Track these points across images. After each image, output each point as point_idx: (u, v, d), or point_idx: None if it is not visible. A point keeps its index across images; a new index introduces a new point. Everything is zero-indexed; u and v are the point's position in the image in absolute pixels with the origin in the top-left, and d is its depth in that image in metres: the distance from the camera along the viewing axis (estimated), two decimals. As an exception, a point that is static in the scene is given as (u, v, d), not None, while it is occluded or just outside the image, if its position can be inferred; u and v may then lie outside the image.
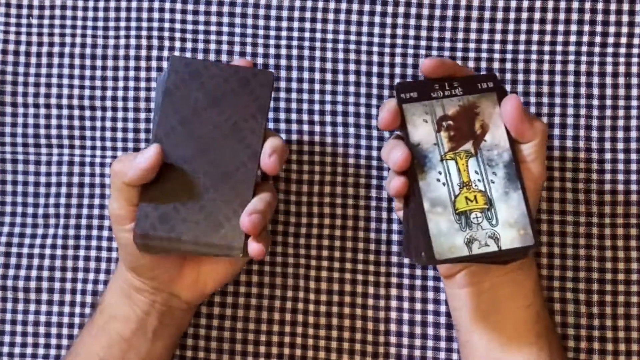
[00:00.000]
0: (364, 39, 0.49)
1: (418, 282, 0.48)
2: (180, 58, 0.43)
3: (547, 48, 0.48)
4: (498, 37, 0.48)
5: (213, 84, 0.42)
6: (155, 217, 0.40)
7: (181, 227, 0.40)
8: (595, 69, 0.48)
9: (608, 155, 0.47)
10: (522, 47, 0.48)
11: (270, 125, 0.49)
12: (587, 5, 0.48)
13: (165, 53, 0.50)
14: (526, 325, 0.42)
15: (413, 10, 0.49)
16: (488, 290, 0.42)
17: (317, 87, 0.49)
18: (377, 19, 0.49)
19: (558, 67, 0.48)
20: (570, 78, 0.48)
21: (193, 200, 0.41)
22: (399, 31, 0.49)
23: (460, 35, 0.49)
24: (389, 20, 0.49)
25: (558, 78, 0.48)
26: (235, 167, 0.41)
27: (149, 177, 0.40)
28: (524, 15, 0.48)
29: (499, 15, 0.48)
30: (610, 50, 0.48)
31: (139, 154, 0.40)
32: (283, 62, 0.50)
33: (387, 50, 0.49)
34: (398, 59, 0.49)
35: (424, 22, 0.49)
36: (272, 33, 0.50)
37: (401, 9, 0.49)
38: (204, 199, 0.41)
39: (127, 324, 0.43)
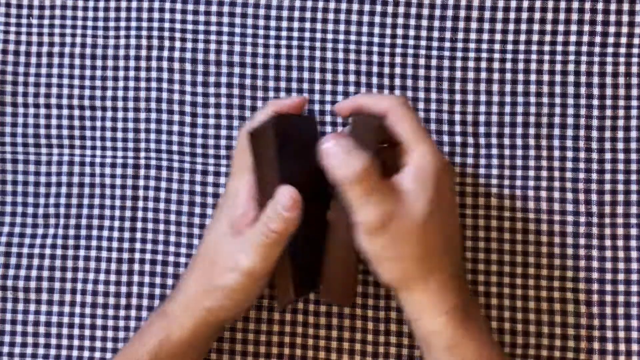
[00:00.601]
0: (364, 39, 0.49)
1: (418, 282, 0.48)
2: (278, 122, 0.41)
3: (547, 48, 0.48)
4: (498, 37, 0.48)
5: (305, 140, 0.42)
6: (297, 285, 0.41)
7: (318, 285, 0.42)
8: (595, 69, 0.48)
9: (608, 155, 0.47)
10: (522, 47, 0.48)
11: (270, 125, 0.49)
12: (587, 5, 0.48)
13: (166, 53, 0.50)
14: None
15: (413, 10, 0.49)
16: None
17: (317, 87, 0.49)
18: (377, 19, 0.49)
19: (558, 67, 0.48)
20: (570, 78, 0.48)
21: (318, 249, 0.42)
22: (399, 31, 0.49)
23: (460, 35, 0.49)
24: (389, 20, 0.49)
25: (558, 78, 0.48)
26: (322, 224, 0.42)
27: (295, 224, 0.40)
28: (524, 15, 0.48)
29: (499, 15, 0.48)
30: (610, 50, 0.48)
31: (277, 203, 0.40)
32: (283, 62, 0.50)
33: (387, 50, 0.49)
34: (398, 59, 0.49)
35: (424, 22, 0.49)
36: (272, 33, 0.50)
37: (401, 9, 0.49)
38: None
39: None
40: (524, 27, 0.48)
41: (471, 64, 0.48)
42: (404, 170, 0.39)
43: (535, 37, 0.48)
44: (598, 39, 0.48)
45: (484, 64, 0.48)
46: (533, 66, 0.48)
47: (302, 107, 0.44)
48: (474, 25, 0.49)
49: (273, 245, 0.39)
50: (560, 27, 0.48)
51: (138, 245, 0.50)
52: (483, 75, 0.48)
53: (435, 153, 0.39)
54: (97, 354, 0.49)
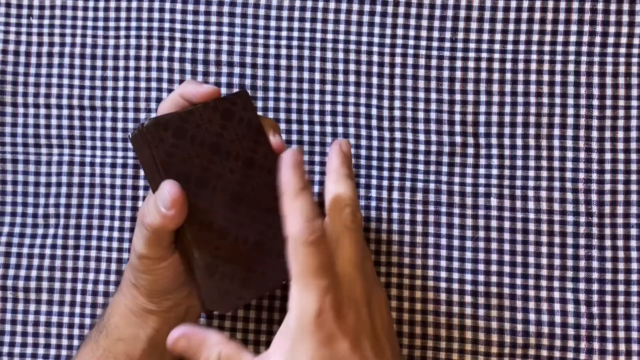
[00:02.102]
0: (364, 39, 0.49)
1: (418, 282, 0.48)
2: (155, 124, 0.38)
3: (547, 48, 0.48)
4: (498, 37, 0.48)
5: (203, 131, 0.40)
6: (217, 293, 0.39)
7: (246, 293, 0.39)
8: (595, 69, 0.48)
9: (608, 155, 0.47)
10: (522, 47, 0.48)
11: (270, 125, 0.49)
12: (587, 5, 0.48)
13: (166, 53, 0.50)
14: None
15: (413, 11, 0.49)
16: None
17: (317, 87, 0.49)
18: (377, 19, 0.49)
19: (558, 67, 0.48)
20: (570, 78, 0.48)
21: (247, 259, 0.39)
22: (399, 31, 0.49)
23: (460, 35, 0.49)
24: (389, 20, 0.49)
25: (558, 78, 0.48)
26: (273, 198, 0.39)
27: (177, 221, 0.38)
28: (524, 15, 0.48)
29: (499, 15, 0.48)
30: (610, 50, 0.48)
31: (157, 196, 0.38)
32: (283, 62, 0.50)
33: (387, 50, 0.49)
34: (398, 59, 0.49)
35: (424, 22, 0.49)
36: (272, 33, 0.50)
37: (401, 9, 0.49)
38: (258, 250, 0.40)
39: (137, 344, 0.42)
40: (524, 27, 0.48)
41: (471, 64, 0.48)
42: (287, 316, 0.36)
43: (535, 37, 0.48)
44: (598, 39, 0.48)
45: (484, 64, 0.48)
46: (533, 66, 0.48)
47: (212, 97, 0.41)
48: (474, 25, 0.49)
49: (153, 237, 0.38)
50: (560, 27, 0.48)
51: (138, 245, 0.50)
52: (483, 75, 0.48)
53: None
54: (97, 354, 0.49)
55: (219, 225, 0.39)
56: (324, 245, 0.35)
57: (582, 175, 0.48)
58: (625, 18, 0.48)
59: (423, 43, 0.49)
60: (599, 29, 0.48)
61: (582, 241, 0.47)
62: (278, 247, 0.39)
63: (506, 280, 0.47)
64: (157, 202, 0.37)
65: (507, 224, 0.48)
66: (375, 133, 0.49)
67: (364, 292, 0.36)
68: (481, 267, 0.48)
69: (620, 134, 0.47)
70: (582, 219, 0.47)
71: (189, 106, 0.41)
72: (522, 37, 0.48)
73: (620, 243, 0.47)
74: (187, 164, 0.39)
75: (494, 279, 0.47)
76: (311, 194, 0.36)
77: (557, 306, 0.47)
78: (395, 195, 0.48)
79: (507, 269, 0.47)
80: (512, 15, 0.48)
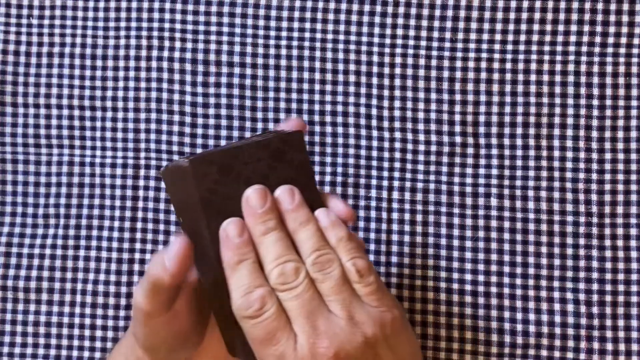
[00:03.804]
0: (364, 39, 0.49)
1: (418, 282, 0.48)
2: (201, 159, 0.36)
3: (547, 48, 0.48)
4: (498, 37, 0.48)
5: (250, 170, 0.37)
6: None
7: None
8: (595, 69, 0.48)
9: (608, 155, 0.47)
10: (522, 47, 0.48)
11: (270, 125, 0.49)
12: (587, 5, 0.48)
13: (166, 53, 0.50)
14: None
15: (413, 11, 0.49)
16: None
17: (317, 87, 0.49)
18: (377, 19, 0.49)
19: (558, 67, 0.48)
20: (570, 78, 0.48)
21: None
22: (399, 31, 0.49)
23: (460, 35, 0.49)
24: (389, 20, 0.49)
25: (558, 78, 0.48)
26: None
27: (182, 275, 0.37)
28: (524, 15, 0.48)
29: (499, 15, 0.48)
30: (610, 50, 0.48)
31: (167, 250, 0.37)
32: (283, 62, 0.50)
33: (387, 50, 0.49)
34: (398, 59, 0.49)
35: (424, 22, 0.49)
36: (272, 33, 0.50)
37: (401, 9, 0.49)
38: None
39: None
40: (524, 27, 0.48)
41: (471, 64, 0.48)
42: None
43: (535, 37, 0.48)
44: (598, 39, 0.48)
45: (484, 64, 0.48)
46: (533, 66, 0.48)
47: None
48: (474, 25, 0.49)
49: (151, 288, 0.37)
50: (560, 27, 0.48)
51: (138, 246, 0.50)
52: (483, 75, 0.48)
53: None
54: (97, 354, 0.49)
55: None
56: (268, 313, 0.35)
57: (582, 175, 0.48)
58: (625, 18, 0.48)
59: (423, 43, 0.49)
60: (599, 29, 0.48)
61: (582, 241, 0.47)
62: None
63: (506, 280, 0.47)
64: (164, 254, 0.37)
65: (507, 224, 0.48)
66: (375, 133, 0.49)
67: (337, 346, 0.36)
68: (481, 267, 0.48)
69: (620, 134, 0.47)
70: (582, 219, 0.47)
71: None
72: (522, 37, 0.48)
73: (620, 243, 0.47)
74: (229, 204, 0.37)
75: (494, 279, 0.48)
76: (252, 261, 0.36)
77: (557, 306, 0.47)
78: (395, 195, 0.48)
79: (507, 269, 0.47)
80: (512, 15, 0.48)
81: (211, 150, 0.38)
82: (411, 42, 0.49)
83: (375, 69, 0.49)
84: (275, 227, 0.37)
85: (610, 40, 0.48)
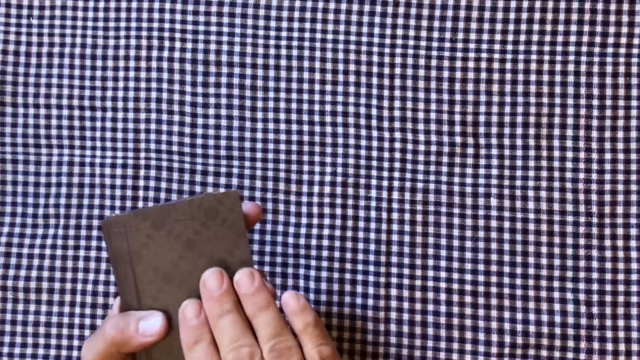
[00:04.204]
0: (364, 39, 0.49)
1: (418, 282, 0.48)
2: (135, 215, 0.39)
3: (547, 48, 0.48)
4: (498, 37, 0.48)
5: (181, 227, 0.39)
6: None
7: None
8: (595, 69, 0.48)
9: (608, 155, 0.47)
10: (522, 47, 0.48)
11: (271, 125, 0.49)
12: (587, 5, 0.48)
13: (166, 53, 0.50)
14: None
15: (413, 11, 0.49)
16: None
17: (317, 87, 0.49)
18: (377, 19, 0.49)
19: (558, 67, 0.48)
20: (570, 78, 0.48)
21: None
22: (399, 31, 0.49)
23: (460, 35, 0.49)
24: (389, 20, 0.49)
25: (558, 78, 0.48)
26: None
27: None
28: (524, 15, 0.48)
29: (499, 15, 0.48)
30: (610, 50, 0.48)
31: (139, 320, 0.39)
32: (283, 62, 0.50)
33: (387, 50, 0.49)
34: (398, 59, 0.49)
35: (424, 22, 0.49)
36: (272, 33, 0.50)
37: (401, 9, 0.49)
38: None
39: None
40: (524, 27, 0.48)
41: (471, 64, 0.48)
42: None
43: (535, 37, 0.48)
44: (598, 39, 0.48)
45: (484, 64, 0.48)
46: (533, 66, 0.48)
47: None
48: (473, 25, 0.49)
49: (108, 352, 0.39)
50: (560, 27, 0.48)
51: (138, 245, 0.50)
52: (483, 75, 0.48)
53: None
54: (97, 354, 0.49)
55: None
56: None
57: (582, 175, 0.48)
58: (625, 18, 0.48)
59: (423, 43, 0.49)
60: (599, 29, 0.48)
61: (582, 241, 0.47)
62: None
63: (506, 280, 0.47)
64: (139, 324, 0.38)
65: (507, 224, 0.48)
66: (375, 133, 0.49)
67: None
68: (481, 267, 0.48)
69: (620, 134, 0.47)
70: (582, 219, 0.47)
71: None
72: (522, 37, 0.48)
73: (620, 243, 0.47)
74: (159, 257, 0.39)
75: (494, 279, 0.48)
76: (208, 342, 0.38)
77: (557, 306, 0.47)
78: (395, 195, 0.48)
79: (507, 269, 0.47)
80: (512, 15, 0.48)
81: (148, 207, 0.40)
82: (411, 42, 0.49)
83: (375, 69, 0.49)
84: (232, 310, 0.38)
85: (610, 40, 0.48)
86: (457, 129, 0.48)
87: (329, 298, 0.48)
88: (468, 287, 0.48)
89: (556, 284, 0.47)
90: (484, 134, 0.48)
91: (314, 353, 0.38)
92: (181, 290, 0.39)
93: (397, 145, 0.49)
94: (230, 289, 0.39)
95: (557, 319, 0.47)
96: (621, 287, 0.47)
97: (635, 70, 0.48)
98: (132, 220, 0.38)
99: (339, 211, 0.49)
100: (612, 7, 0.48)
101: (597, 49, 0.48)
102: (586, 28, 0.48)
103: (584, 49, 0.48)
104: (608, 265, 0.47)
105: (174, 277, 0.39)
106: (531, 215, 0.48)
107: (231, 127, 0.50)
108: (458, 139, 0.48)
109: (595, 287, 0.47)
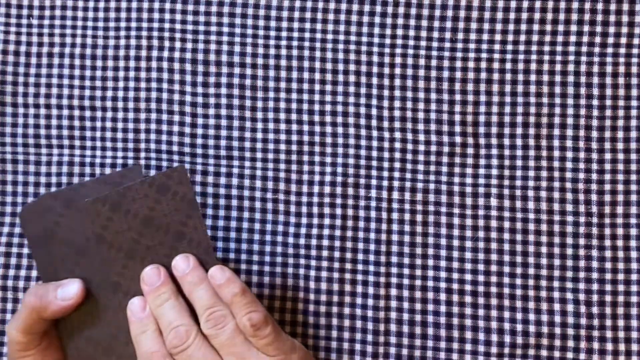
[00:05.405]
0: (364, 39, 0.49)
1: (418, 282, 0.48)
2: (92, 202, 0.42)
3: (547, 48, 0.48)
4: (498, 37, 0.48)
5: (137, 206, 0.42)
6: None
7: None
8: (595, 69, 0.48)
9: (608, 155, 0.47)
10: (522, 47, 0.48)
11: (271, 125, 0.49)
12: (587, 5, 0.48)
13: (166, 53, 0.50)
14: None
15: (413, 11, 0.49)
16: None
17: (317, 87, 0.49)
18: (377, 19, 0.49)
19: (558, 67, 0.48)
20: (570, 78, 0.48)
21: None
22: (399, 31, 0.49)
23: (460, 35, 0.49)
24: (389, 20, 0.49)
25: (558, 78, 0.48)
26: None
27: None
28: (524, 15, 0.48)
29: (499, 15, 0.48)
30: (610, 50, 0.48)
31: (58, 287, 0.42)
32: (283, 62, 0.50)
33: (387, 50, 0.49)
34: (398, 59, 0.49)
35: (424, 22, 0.49)
36: (272, 33, 0.50)
37: (401, 9, 0.49)
38: None
39: None
40: (524, 27, 0.48)
41: (471, 64, 0.48)
42: None
43: (535, 37, 0.48)
44: (598, 39, 0.48)
45: (484, 64, 0.48)
46: (533, 66, 0.48)
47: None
48: (473, 25, 0.49)
49: (31, 322, 0.42)
50: (560, 27, 0.48)
51: (138, 245, 0.50)
52: (483, 75, 0.48)
53: None
54: (97, 354, 0.49)
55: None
56: None
57: (582, 175, 0.48)
58: (625, 18, 0.48)
59: (423, 43, 0.49)
60: (599, 29, 0.48)
61: (582, 241, 0.47)
62: None
63: (506, 280, 0.47)
64: (57, 291, 0.42)
65: (507, 224, 0.48)
66: (375, 133, 0.49)
67: None
68: (481, 267, 0.48)
69: (620, 134, 0.47)
70: (582, 219, 0.47)
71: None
72: (522, 37, 0.48)
73: (620, 243, 0.47)
74: (119, 237, 0.42)
75: (494, 279, 0.48)
76: (152, 330, 0.41)
77: (556, 306, 0.47)
78: (395, 195, 0.48)
79: (507, 269, 0.47)
80: (512, 15, 0.48)
81: (104, 194, 0.43)
82: (411, 42, 0.49)
83: (375, 69, 0.49)
84: (169, 297, 0.42)
85: (610, 40, 0.48)
86: (457, 129, 0.48)
87: (329, 298, 0.48)
88: (468, 287, 0.48)
89: (556, 284, 0.47)
90: (484, 134, 0.48)
91: (245, 320, 0.40)
92: (144, 265, 0.42)
93: (397, 145, 0.49)
94: (168, 280, 0.42)
95: (557, 319, 0.47)
96: (621, 287, 0.47)
97: (635, 70, 0.48)
98: (91, 207, 0.41)
99: (339, 211, 0.49)
100: (612, 7, 0.48)
101: (597, 49, 0.48)
102: (586, 28, 0.48)
103: (584, 49, 0.48)
104: (608, 265, 0.47)
105: (135, 253, 0.42)
106: (531, 215, 0.48)
107: (231, 127, 0.50)
108: (458, 139, 0.48)
109: (595, 287, 0.47)
